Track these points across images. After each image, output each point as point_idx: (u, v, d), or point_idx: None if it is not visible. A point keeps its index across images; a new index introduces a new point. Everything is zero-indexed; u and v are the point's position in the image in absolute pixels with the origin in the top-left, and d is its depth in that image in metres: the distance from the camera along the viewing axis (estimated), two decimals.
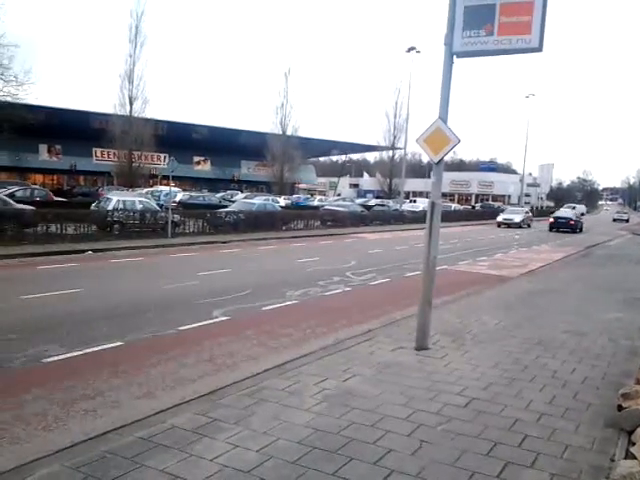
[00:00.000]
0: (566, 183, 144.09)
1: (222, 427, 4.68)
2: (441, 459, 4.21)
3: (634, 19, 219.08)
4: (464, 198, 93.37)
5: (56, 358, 6.76)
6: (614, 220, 74.55)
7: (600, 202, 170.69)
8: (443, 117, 7.09)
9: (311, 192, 69.94)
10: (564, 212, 46.17)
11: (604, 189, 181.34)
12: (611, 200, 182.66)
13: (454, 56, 7.14)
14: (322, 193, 77.62)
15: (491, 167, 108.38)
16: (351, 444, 4.42)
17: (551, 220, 41.51)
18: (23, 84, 26.35)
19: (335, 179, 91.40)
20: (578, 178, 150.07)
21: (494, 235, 33.99)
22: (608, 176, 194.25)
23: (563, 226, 40.29)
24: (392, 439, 4.54)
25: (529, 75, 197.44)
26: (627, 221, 74.18)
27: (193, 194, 40.29)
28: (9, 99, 26.10)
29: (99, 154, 54.03)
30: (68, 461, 4.07)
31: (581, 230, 41.22)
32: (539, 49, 6.66)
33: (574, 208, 64.79)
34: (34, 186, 37.41)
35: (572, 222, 40.94)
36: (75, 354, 6.94)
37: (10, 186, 32.09)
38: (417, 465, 4.11)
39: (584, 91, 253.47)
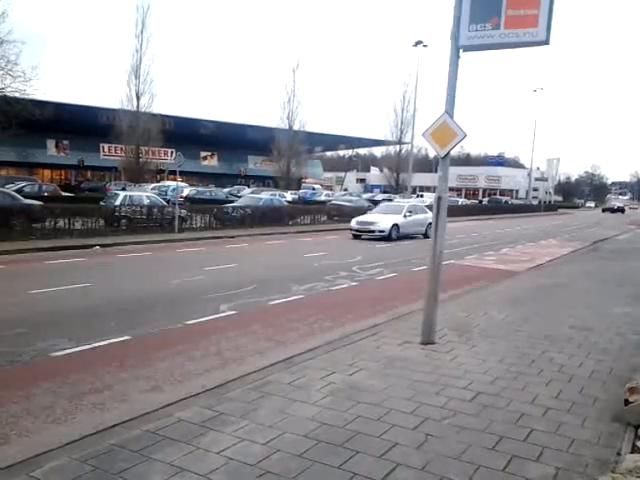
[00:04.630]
0: (574, 177, 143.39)
1: (228, 421, 4.71)
2: (446, 453, 4.22)
3: None
4: (471, 193, 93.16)
5: (65, 352, 6.81)
6: (603, 210, 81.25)
7: (608, 196, 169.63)
8: (449, 111, 7.06)
9: (314, 187, 69.42)
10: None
11: (613, 183, 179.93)
12: (620, 194, 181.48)
13: (460, 50, 7.10)
14: (328, 188, 77.42)
15: (499, 161, 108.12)
16: (357, 437, 4.44)
17: None
18: (30, 80, 26.40)
19: (342, 174, 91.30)
20: (586, 172, 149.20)
21: (501, 230, 33.86)
22: (617, 170, 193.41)
23: None
24: (397, 433, 4.55)
25: (536, 68, 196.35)
26: (622, 211, 79.73)
27: (200, 189, 40.37)
28: (17, 95, 26.17)
29: (106, 149, 54.17)
30: (76, 454, 4.11)
31: None
32: (546, 42, 6.61)
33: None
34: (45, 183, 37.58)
35: None
36: (83, 348, 6.99)
37: (18, 181, 32.27)
38: (422, 458, 4.12)
39: (593, 84, 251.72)
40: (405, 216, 23.89)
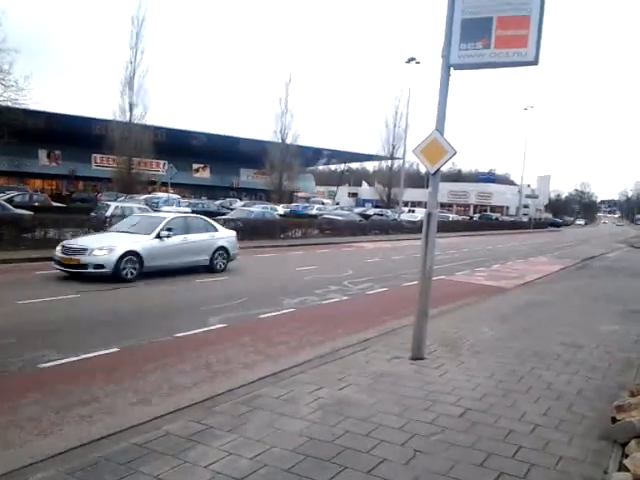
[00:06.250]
0: (564, 195, 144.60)
1: (216, 434, 4.69)
2: (435, 469, 4.22)
3: (631, 33, 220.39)
4: (462, 209, 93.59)
5: (52, 363, 6.76)
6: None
7: (598, 214, 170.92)
8: (440, 128, 7.13)
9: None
10: None
11: (602, 201, 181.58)
12: (609, 212, 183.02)
13: (451, 68, 7.20)
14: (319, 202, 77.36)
15: (490, 178, 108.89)
16: (345, 453, 4.43)
17: None
18: (23, 89, 26.41)
19: (334, 188, 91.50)
20: (576, 190, 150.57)
21: (491, 246, 34.02)
22: (606, 188, 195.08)
23: None
24: (386, 448, 4.55)
25: (528, 86, 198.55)
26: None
27: (192, 201, 40.32)
28: (9, 104, 26.15)
29: (98, 160, 54.04)
30: (62, 466, 4.08)
31: None
32: (535, 62, 6.72)
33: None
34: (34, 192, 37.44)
35: None
36: (71, 359, 6.94)
37: (9, 191, 32.14)
38: (410, 474, 4.11)
39: (582, 103, 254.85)
40: (160, 237, 14.00)
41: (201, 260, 15.09)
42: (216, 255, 15.46)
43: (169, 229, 14.30)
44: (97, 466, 4.08)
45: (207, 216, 27.63)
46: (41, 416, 5.25)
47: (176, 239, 14.37)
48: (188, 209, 28.75)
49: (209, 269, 15.15)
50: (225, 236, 16.26)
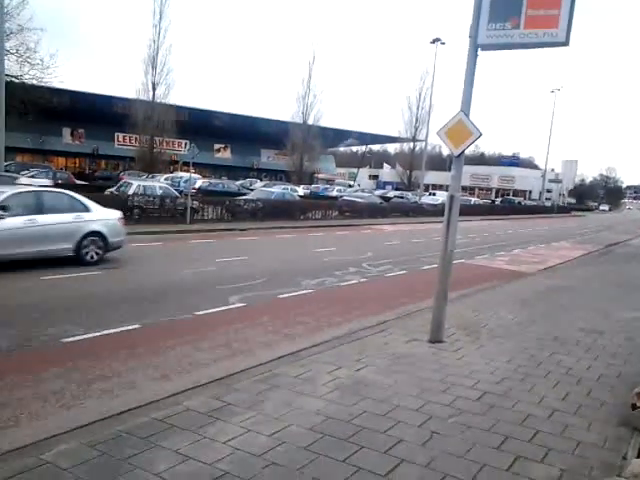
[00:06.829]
0: (589, 179, 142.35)
1: (235, 411, 4.75)
2: (451, 450, 4.23)
3: None
4: (484, 192, 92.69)
5: (75, 338, 6.88)
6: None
7: (623, 200, 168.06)
8: (465, 110, 7.04)
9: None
10: None
11: (628, 187, 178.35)
12: (635, 198, 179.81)
13: (479, 49, 7.08)
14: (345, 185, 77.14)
15: (513, 162, 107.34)
16: (362, 432, 4.46)
17: None
18: (48, 67, 26.59)
19: (354, 170, 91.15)
20: (601, 175, 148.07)
21: (513, 230, 33.70)
22: (633, 174, 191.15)
23: None
24: (403, 429, 4.57)
25: (554, 68, 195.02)
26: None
27: (213, 181, 40.47)
28: (34, 82, 26.35)
29: (121, 139, 54.32)
30: (85, 438, 4.17)
31: None
32: (566, 43, 6.57)
33: None
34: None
35: None
36: (94, 335, 7.05)
37: (33, 169, 32.54)
38: (427, 455, 4.14)
39: (610, 86, 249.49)
40: None
41: (60, 249, 11.53)
42: (85, 243, 11.89)
43: (3, 207, 10.75)
44: (118, 439, 4.16)
45: (227, 196, 27.65)
46: (64, 389, 5.36)
47: (16, 221, 10.83)
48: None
49: (80, 260, 11.77)
50: (100, 218, 12.35)
